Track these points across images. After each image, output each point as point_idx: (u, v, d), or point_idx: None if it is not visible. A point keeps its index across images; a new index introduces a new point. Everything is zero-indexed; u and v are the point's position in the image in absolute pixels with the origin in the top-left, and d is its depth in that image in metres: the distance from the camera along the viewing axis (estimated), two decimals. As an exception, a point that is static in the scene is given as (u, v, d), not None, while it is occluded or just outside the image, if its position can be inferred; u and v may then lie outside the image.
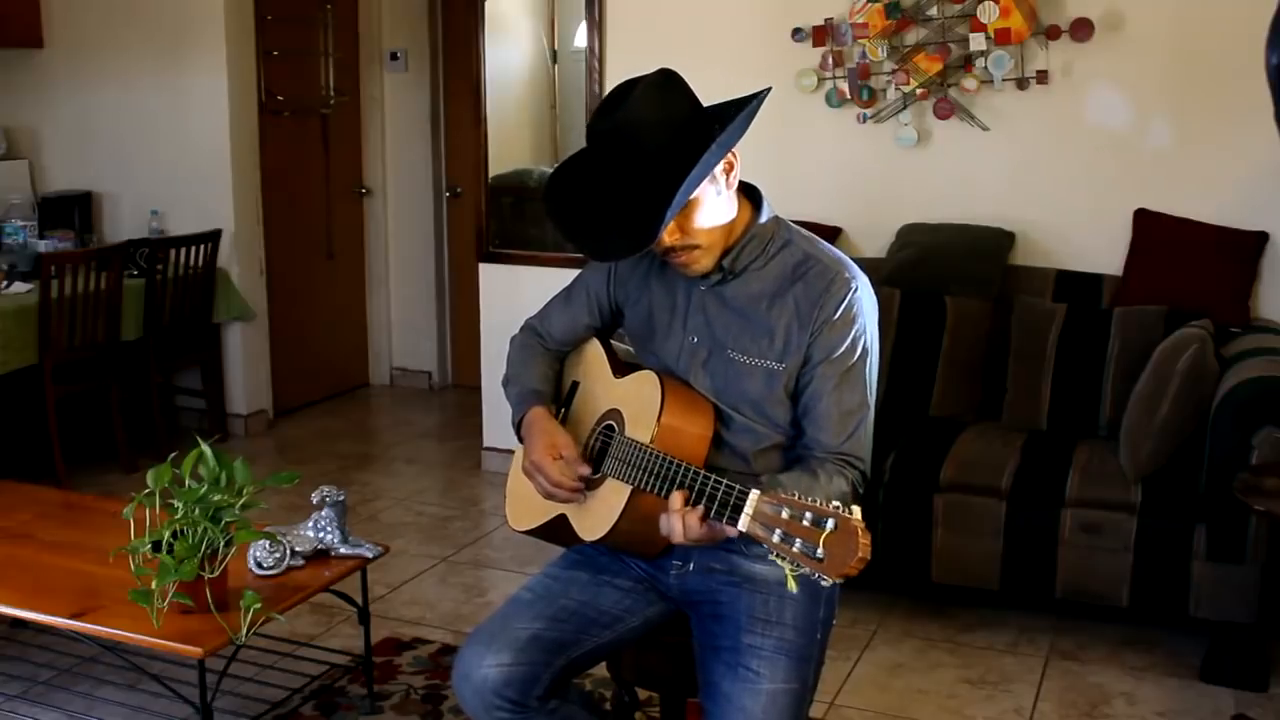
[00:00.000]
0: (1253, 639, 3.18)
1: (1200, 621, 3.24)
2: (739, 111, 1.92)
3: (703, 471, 1.81)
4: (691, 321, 2.06)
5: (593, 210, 1.98)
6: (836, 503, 1.61)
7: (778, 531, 1.62)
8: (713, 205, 1.94)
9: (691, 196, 1.89)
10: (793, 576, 1.63)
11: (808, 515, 1.60)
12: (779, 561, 1.63)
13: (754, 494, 1.68)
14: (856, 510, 1.59)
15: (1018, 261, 4.01)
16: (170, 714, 2.96)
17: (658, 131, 1.88)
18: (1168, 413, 3.21)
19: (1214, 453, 3.14)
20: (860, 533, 1.56)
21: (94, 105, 5.59)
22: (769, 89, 1.97)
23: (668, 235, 1.93)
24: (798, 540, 1.60)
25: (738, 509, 1.70)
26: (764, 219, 2.04)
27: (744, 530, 1.68)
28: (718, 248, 1.99)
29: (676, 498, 1.81)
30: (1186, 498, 3.21)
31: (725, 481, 1.76)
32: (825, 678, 2.16)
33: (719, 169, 1.94)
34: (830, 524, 1.58)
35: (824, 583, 1.60)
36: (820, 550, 1.57)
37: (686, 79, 1.98)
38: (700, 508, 1.78)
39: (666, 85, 1.93)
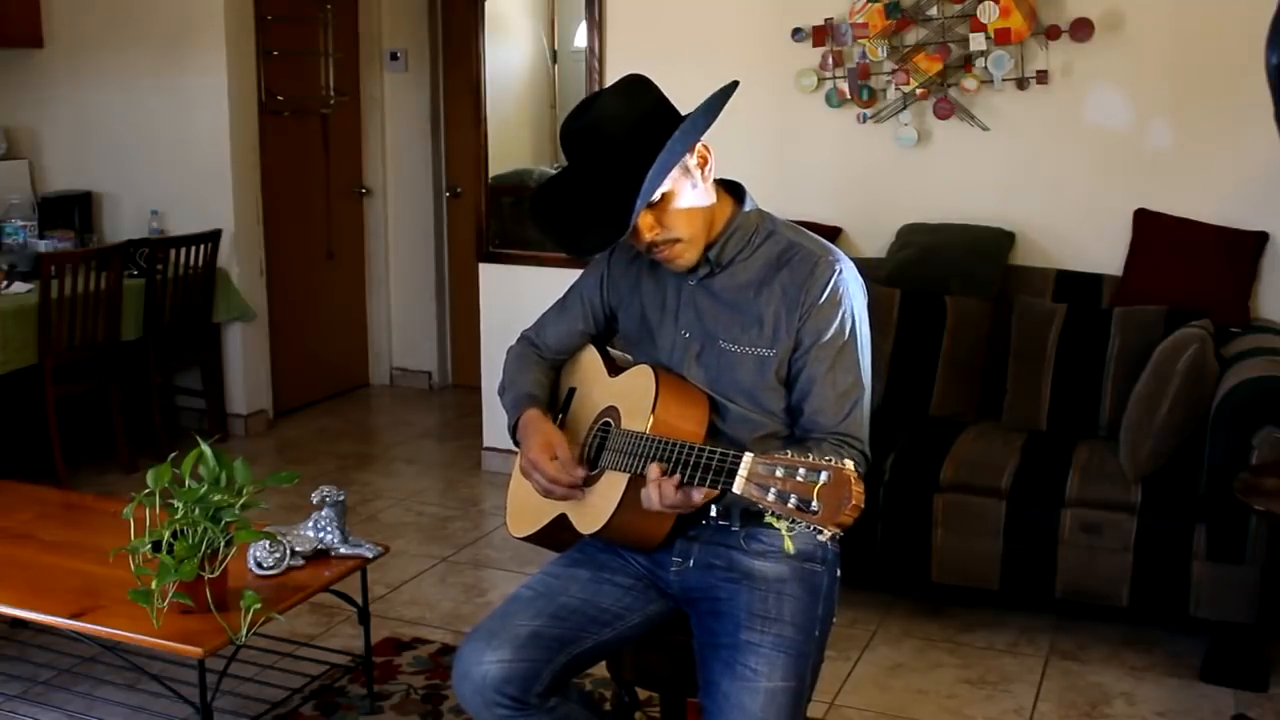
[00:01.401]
0: (1253, 639, 3.18)
1: (1200, 621, 3.24)
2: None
3: (696, 445, 1.83)
4: (683, 317, 2.08)
5: (569, 208, 2.03)
6: (829, 457, 1.63)
7: (772, 490, 1.64)
8: (689, 197, 1.98)
9: (666, 190, 1.93)
10: (789, 536, 1.65)
11: (801, 470, 1.62)
12: (775, 522, 1.64)
13: (748, 456, 1.70)
14: (849, 463, 1.61)
15: (1018, 261, 4.01)
16: (170, 714, 2.96)
17: (624, 126, 1.94)
18: (1168, 413, 3.21)
19: (1214, 453, 3.14)
20: (854, 481, 1.58)
21: (94, 105, 5.60)
22: (736, 82, 2.00)
23: (647, 230, 1.96)
24: (792, 496, 1.62)
25: (732, 473, 1.71)
26: (746, 208, 2.07)
27: (739, 492, 1.70)
28: (700, 240, 2.01)
29: (654, 468, 1.83)
30: (1186, 498, 3.21)
31: (719, 450, 1.78)
32: (825, 677, 2.16)
33: (693, 162, 1.98)
34: (824, 476, 1.60)
35: (821, 536, 1.61)
36: (815, 503, 1.59)
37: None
38: (676, 476, 1.81)
39: (632, 86, 1.99)
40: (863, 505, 1.59)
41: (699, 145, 1.99)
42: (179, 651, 2.46)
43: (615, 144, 1.93)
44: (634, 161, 1.90)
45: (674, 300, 2.10)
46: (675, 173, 1.94)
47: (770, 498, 1.64)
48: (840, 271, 2.00)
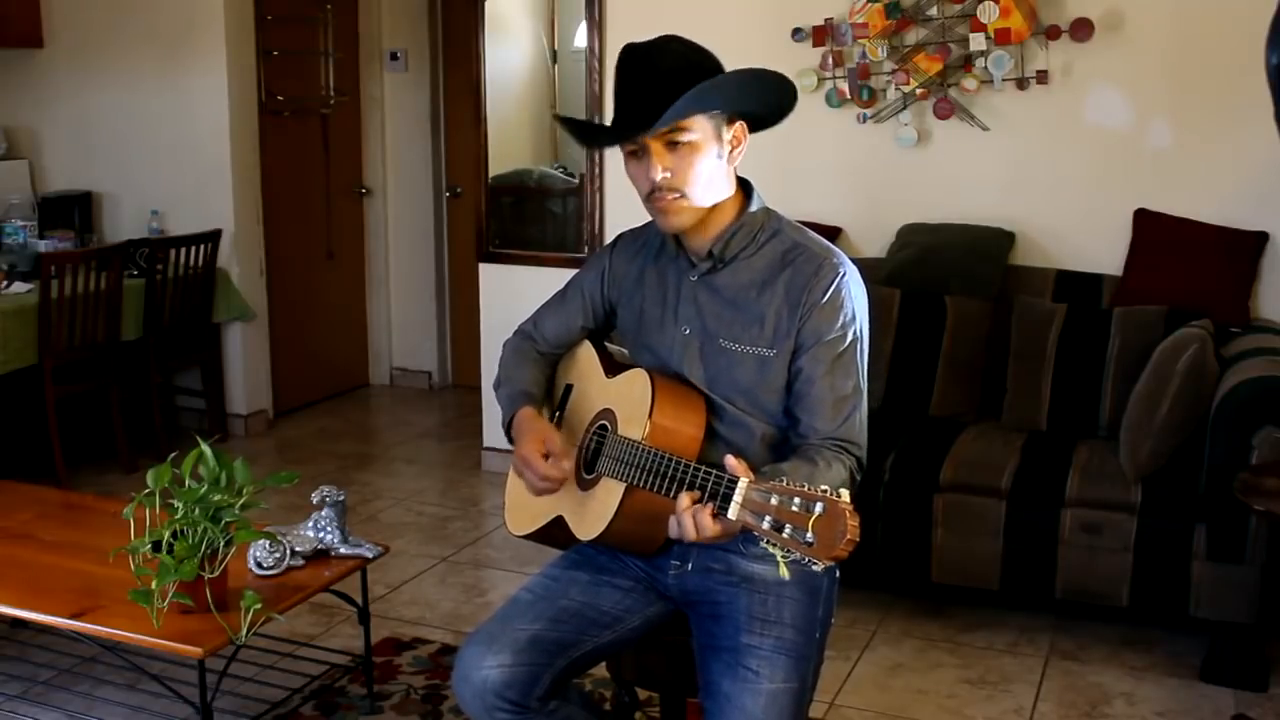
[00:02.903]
0: (1253, 639, 3.18)
1: (1200, 621, 3.24)
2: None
3: (692, 464, 1.82)
4: (683, 312, 2.07)
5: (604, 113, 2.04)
6: (825, 486, 1.61)
7: (767, 518, 1.63)
8: (710, 165, 1.96)
9: (694, 138, 1.92)
10: (784, 563, 1.63)
11: (796, 500, 1.60)
12: (770, 548, 1.63)
13: (743, 482, 1.68)
14: (845, 493, 1.59)
15: (1018, 261, 4.01)
16: (170, 714, 2.96)
17: (683, 61, 1.95)
18: (1168, 413, 3.21)
19: (1214, 453, 3.14)
20: (848, 515, 1.56)
21: (94, 105, 5.60)
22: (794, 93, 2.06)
23: (660, 163, 1.93)
24: (787, 526, 1.60)
25: (727, 498, 1.70)
26: (754, 209, 2.06)
27: (733, 518, 1.68)
28: (700, 208, 1.98)
29: (684, 498, 1.79)
30: (1186, 498, 3.21)
31: (714, 472, 1.76)
32: (825, 677, 2.16)
33: (728, 135, 1.97)
34: (819, 508, 1.58)
35: (815, 567, 1.59)
36: (810, 534, 1.57)
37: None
38: (711, 505, 1.75)
39: (704, 50, 2.00)
40: (858, 539, 1.56)
41: (740, 124, 1.99)
42: (179, 651, 2.46)
43: (666, 69, 1.93)
44: (678, 85, 1.89)
45: (674, 296, 2.09)
46: (709, 128, 1.94)
47: (765, 525, 1.62)
48: (844, 275, 1.99)
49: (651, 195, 1.97)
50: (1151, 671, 3.28)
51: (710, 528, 1.75)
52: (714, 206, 2.01)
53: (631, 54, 1.98)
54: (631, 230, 2.24)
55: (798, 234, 2.05)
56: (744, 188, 2.08)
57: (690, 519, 1.77)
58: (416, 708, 3.08)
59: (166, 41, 5.39)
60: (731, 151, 1.99)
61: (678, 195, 1.96)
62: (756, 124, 2.04)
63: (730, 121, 1.98)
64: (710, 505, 1.75)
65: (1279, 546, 3.09)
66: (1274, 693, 3.16)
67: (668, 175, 1.94)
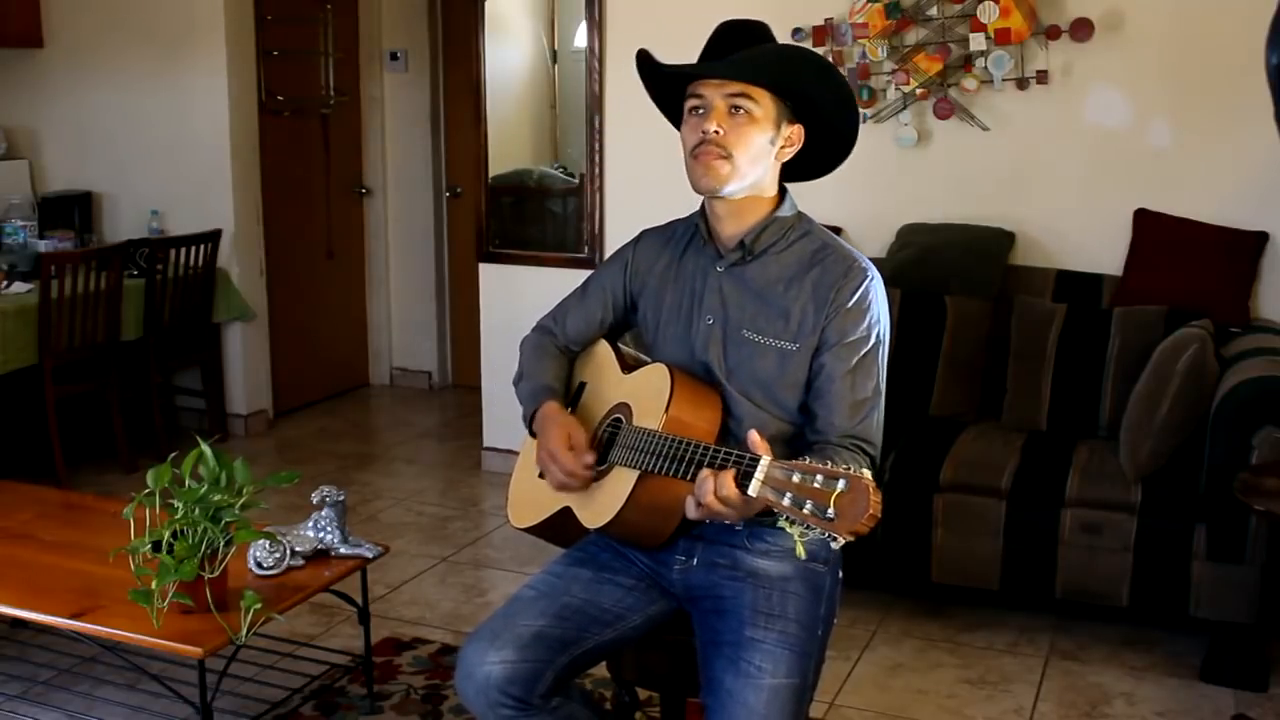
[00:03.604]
0: (1253, 639, 3.18)
1: (1200, 621, 3.25)
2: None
3: (711, 446, 1.82)
4: (707, 302, 2.09)
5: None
6: (847, 464, 1.62)
7: (788, 495, 1.63)
8: (761, 144, 2.00)
9: (757, 111, 1.98)
10: (801, 542, 1.64)
11: (818, 477, 1.60)
12: (788, 527, 1.63)
13: (765, 459, 1.69)
14: (867, 471, 1.59)
15: (1018, 261, 4.01)
16: (170, 714, 2.96)
17: (773, 40, 2.06)
18: (1168, 413, 3.21)
19: (1214, 453, 3.14)
20: (871, 490, 1.56)
21: (93, 105, 5.60)
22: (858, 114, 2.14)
23: (717, 120, 1.98)
24: (808, 502, 1.60)
25: (748, 476, 1.70)
26: (786, 209, 2.09)
27: (753, 495, 1.68)
28: (739, 178, 2.01)
29: (706, 471, 1.78)
30: (1186, 498, 3.21)
31: (735, 452, 1.76)
32: (825, 677, 2.16)
33: (784, 131, 2.02)
34: (841, 484, 1.58)
35: (834, 544, 1.60)
36: (831, 510, 1.58)
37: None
38: (732, 470, 1.74)
39: None
40: (880, 515, 1.57)
41: (798, 127, 2.04)
42: (179, 651, 2.46)
43: (761, 36, 2.02)
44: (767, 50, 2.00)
45: (700, 285, 2.10)
46: (773, 112, 1.99)
47: (786, 502, 1.62)
48: (871, 278, 2.02)
49: (697, 148, 2.01)
50: (1151, 671, 3.28)
51: (733, 492, 1.73)
52: (750, 199, 2.05)
53: (730, 23, 2.06)
54: (656, 227, 2.27)
55: (827, 237, 2.09)
56: (780, 190, 2.12)
57: (712, 482, 1.75)
58: (416, 708, 3.08)
59: (166, 41, 5.39)
60: (783, 147, 2.03)
61: (723, 153, 1.99)
62: (810, 153, 2.09)
63: (791, 121, 2.03)
64: (733, 471, 1.74)
65: (1279, 546, 3.09)
66: (1274, 693, 3.16)
67: (720, 132, 1.98)
